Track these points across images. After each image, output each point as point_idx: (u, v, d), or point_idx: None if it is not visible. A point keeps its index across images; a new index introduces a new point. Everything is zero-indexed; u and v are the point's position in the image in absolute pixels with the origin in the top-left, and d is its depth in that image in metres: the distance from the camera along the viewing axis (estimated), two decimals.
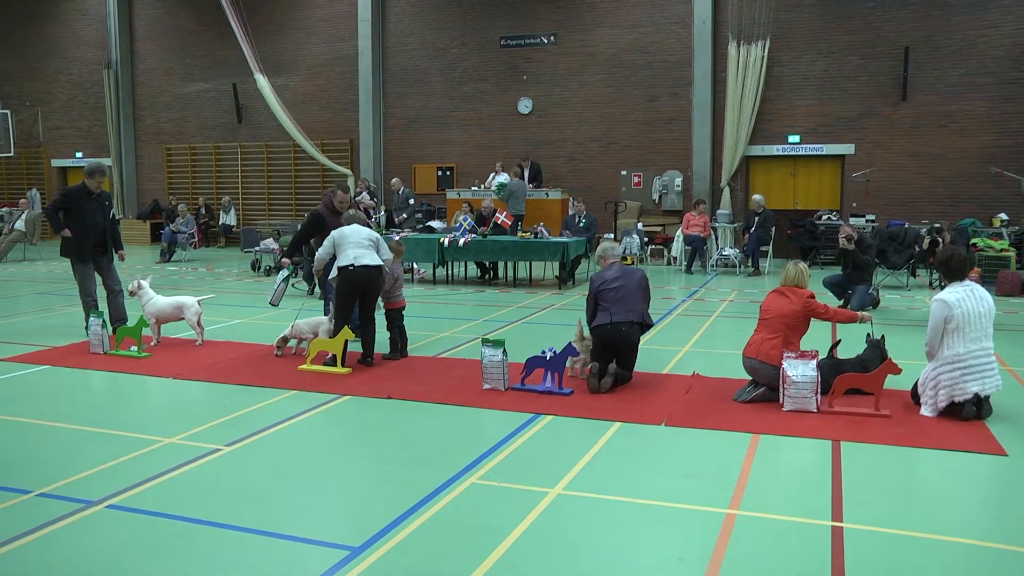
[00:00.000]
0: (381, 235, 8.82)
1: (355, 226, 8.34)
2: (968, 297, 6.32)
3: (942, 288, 6.63)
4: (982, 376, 6.23)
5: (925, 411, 6.40)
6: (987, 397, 6.32)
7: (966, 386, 6.20)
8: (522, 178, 18.37)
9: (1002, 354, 8.27)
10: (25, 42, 26.81)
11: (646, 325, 7.47)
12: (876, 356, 7.10)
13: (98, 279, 9.82)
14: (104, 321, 8.90)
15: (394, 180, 19.17)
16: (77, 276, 9.70)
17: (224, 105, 24.56)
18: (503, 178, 17.86)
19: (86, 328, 9.19)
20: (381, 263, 8.13)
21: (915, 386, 6.66)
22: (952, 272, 6.53)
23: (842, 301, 11.69)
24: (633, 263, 16.59)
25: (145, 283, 9.36)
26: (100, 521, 4.54)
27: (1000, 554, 4.14)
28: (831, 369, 6.88)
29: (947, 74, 18.14)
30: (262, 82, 22.96)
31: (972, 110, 18.06)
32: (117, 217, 10.43)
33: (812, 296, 6.97)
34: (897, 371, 6.48)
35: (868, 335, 7.37)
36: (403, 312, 8.70)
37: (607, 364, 7.24)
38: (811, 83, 19.14)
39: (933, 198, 18.18)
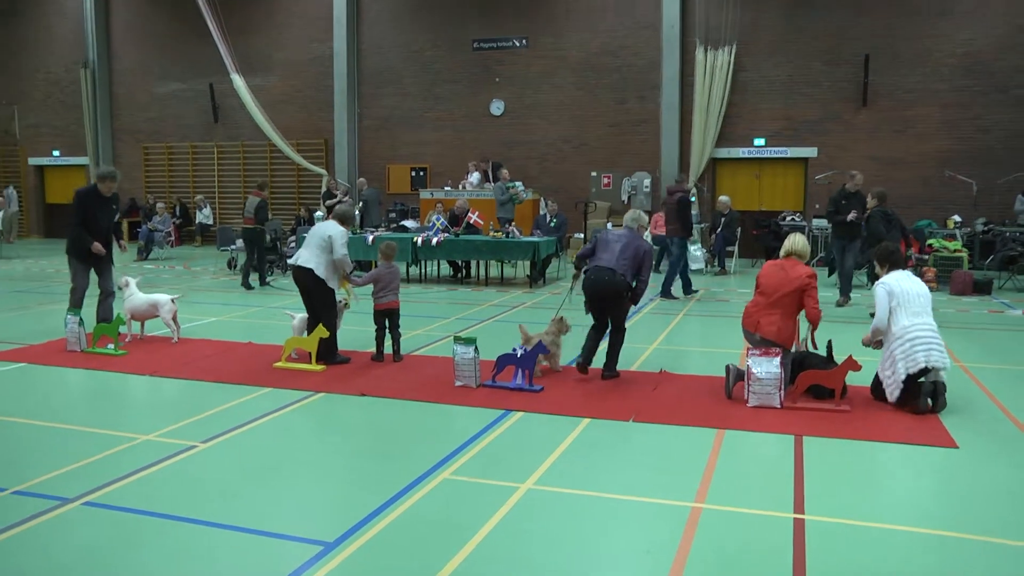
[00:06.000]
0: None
1: (326, 223, 8.33)
2: (905, 279, 6.80)
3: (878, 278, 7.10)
4: (928, 348, 6.47)
5: (890, 393, 6.56)
6: (943, 391, 6.48)
7: (916, 356, 6.44)
8: (487, 178, 18.26)
9: (954, 349, 8.41)
10: (1, 40, 26.37)
11: (629, 284, 7.50)
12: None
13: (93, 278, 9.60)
14: (81, 319, 8.79)
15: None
16: (72, 270, 9.47)
17: (201, 105, 24.31)
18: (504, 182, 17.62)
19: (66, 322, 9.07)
20: (311, 267, 7.99)
21: (875, 381, 6.78)
22: (896, 263, 7.00)
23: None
24: None
25: (132, 282, 9.41)
26: (76, 518, 4.48)
27: (948, 540, 4.21)
28: (798, 365, 6.97)
29: (905, 81, 18.37)
30: (238, 82, 22.75)
31: (928, 116, 18.31)
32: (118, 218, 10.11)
33: (813, 276, 6.95)
34: (857, 368, 6.55)
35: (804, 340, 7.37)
36: (391, 314, 8.31)
37: (600, 324, 7.59)
38: (776, 88, 19.29)
39: (891, 200, 18.08)
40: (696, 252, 12.70)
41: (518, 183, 17.07)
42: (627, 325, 7.74)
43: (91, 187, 9.48)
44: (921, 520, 4.50)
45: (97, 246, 9.25)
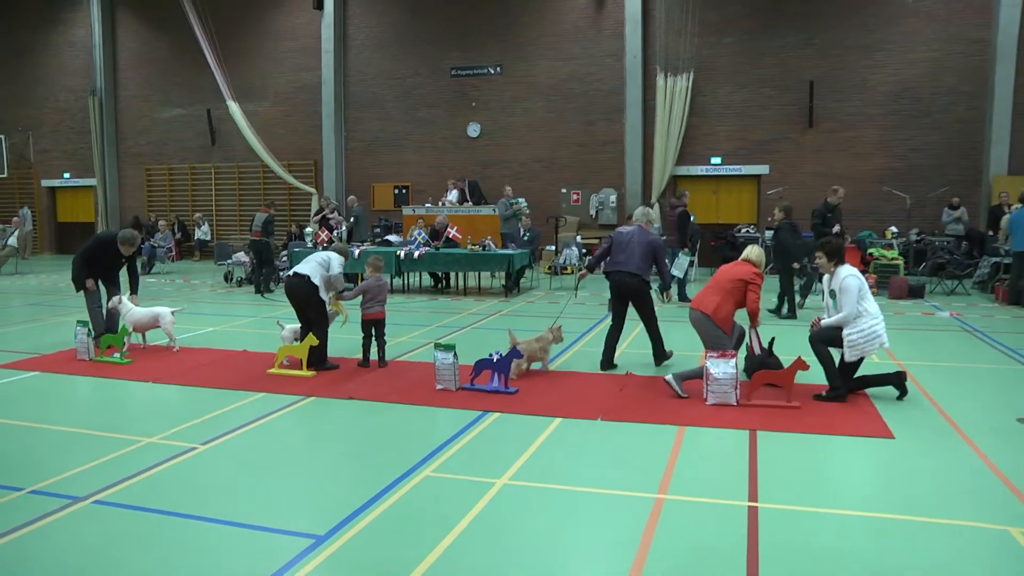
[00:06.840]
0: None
1: (327, 252, 8.43)
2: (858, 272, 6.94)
3: (821, 275, 7.29)
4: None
5: (850, 355, 6.71)
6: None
7: (883, 337, 6.70)
8: (464, 196, 18.26)
9: (893, 350, 8.51)
10: (17, 72, 26.13)
11: (648, 281, 8.03)
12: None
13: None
14: (89, 330, 8.70)
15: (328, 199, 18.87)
16: (85, 296, 9.38)
17: (199, 129, 24.17)
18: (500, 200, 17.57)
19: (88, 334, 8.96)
20: (307, 273, 8.05)
21: (815, 333, 6.96)
22: (842, 257, 7.04)
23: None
24: (572, 272, 16.68)
25: (125, 299, 9.28)
26: (87, 515, 4.45)
27: (887, 522, 4.28)
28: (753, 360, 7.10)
29: (845, 105, 18.64)
30: (234, 108, 22.70)
31: (866, 137, 18.60)
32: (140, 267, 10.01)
33: (759, 275, 7.15)
34: (806, 367, 6.64)
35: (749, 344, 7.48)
36: (377, 323, 8.25)
37: (620, 321, 8.09)
38: (731, 111, 19.49)
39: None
40: (685, 261, 13.72)
41: (521, 199, 17.12)
42: (602, 329, 7.83)
43: (111, 239, 9.25)
44: (863, 504, 4.56)
45: (90, 282, 9.28)
